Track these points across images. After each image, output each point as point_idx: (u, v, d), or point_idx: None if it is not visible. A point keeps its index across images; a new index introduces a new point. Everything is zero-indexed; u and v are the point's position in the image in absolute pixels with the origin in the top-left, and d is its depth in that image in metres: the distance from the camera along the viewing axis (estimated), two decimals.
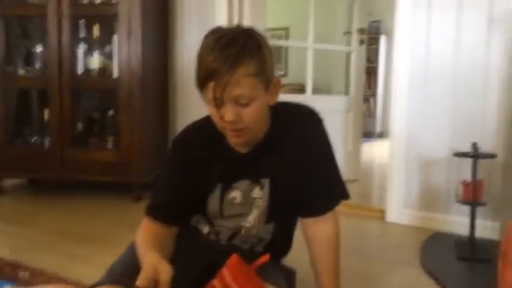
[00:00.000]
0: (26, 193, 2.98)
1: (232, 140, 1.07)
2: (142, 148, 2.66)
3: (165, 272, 0.89)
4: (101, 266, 1.13)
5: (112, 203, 2.63)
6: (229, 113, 0.98)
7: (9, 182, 2.96)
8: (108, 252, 1.17)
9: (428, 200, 2.30)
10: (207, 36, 1.02)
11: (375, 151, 5.32)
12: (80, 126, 2.84)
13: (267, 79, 1.02)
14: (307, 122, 1.19)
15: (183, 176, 1.17)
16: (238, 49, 0.96)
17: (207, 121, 1.19)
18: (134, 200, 2.64)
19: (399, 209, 2.37)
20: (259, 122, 1.07)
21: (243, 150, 1.14)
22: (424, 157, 2.30)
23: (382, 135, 7.00)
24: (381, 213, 2.46)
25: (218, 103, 0.98)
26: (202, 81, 0.98)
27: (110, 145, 2.76)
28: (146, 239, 1.09)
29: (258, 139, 1.13)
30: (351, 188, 1.24)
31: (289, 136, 1.16)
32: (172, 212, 1.17)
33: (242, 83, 0.96)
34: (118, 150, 2.69)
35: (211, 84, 0.96)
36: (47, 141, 2.76)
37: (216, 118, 1.03)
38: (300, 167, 1.17)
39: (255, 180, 1.16)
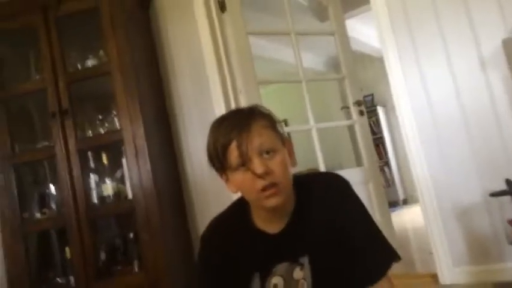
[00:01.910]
0: None
1: (270, 203, 1.01)
2: (170, 265, 2.56)
3: None
4: None
5: None
6: (258, 164, 0.97)
7: None
8: None
9: (478, 251, 2.14)
10: (212, 125, 1.06)
11: (405, 218, 5.13)
12: (103, 255, 2.76)
13: (280, 135, 1.04)
14: (333, 187, 1.14)
15: (217, 273, 1.11)
16: (247, 111, 1.04)
17: (231, 209, 1.17)
18: None
19: (450, 269, 2.20)
20: (289, 178, 1.04)
21: (275, 229, 1.08)
22: (459, 207, 2.19)
23: (406, 202, 6.83)
24: (433, 278, 2.27)
25: (245, 160, 0.98)
26: (223, 149, 0.99)
27: (136, 269, 2.66)
28: None
29: (288, 213, 1.08)
30: None
31: (318, 206, 1.11)
32: None
33: (261, 133, 0.99)
34: (145, 273, 2.58)
35: (233, 145, 0.98)
36: (72, 280, 2.67)
37: (246, 183, 1.00)
38: (339, 235, 1.09)
39: (293, 260, 1.09)
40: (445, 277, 2.21)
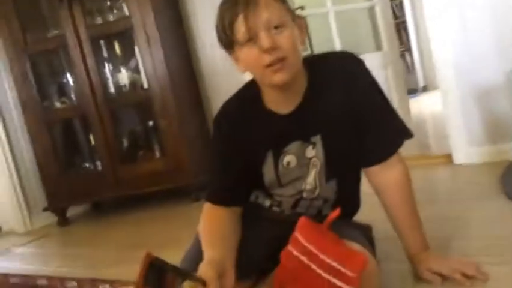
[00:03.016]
0: (91, 218, 3.06)
1: (276, 78, 0.98)
2: (188, 150, 2.65)
3: (229, 277, 0.93)
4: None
5: (173, 209, 2.64)
6: (265, 39, 0.94)
7: (73, 211, 3.05)
8: (180, 251, 1.15)
9: (494, 131, 2.12)
10: (221, 0, 1.01)
11: (424, 105, 5.09)
12: (125, 142, 2.88)
13: (291, 10, 0.99)
14: (347, 66, 1.10)
15: (231, 153, 1.14)
16: None
17: (243, 92, 1.16)
18: (193, 201, 2.64)
19: (465, 149, 2.21)
20: (297, 55, 1.00)
21: (287, 110, 1.08)
22: (478, 88, 2.13)
23: (426, 88, 6.71)
24: (447, 158, 2.30)
25: (252, 35, 0.95)
26: (230, 22, 0.96)
27: (158, 154, 2.78)
28: (208, 231, 1.07)
29: (300, 93, 1.07)
30: (407, 142, 1.14)
31: (332, 85, 1.08)
32: (230, 192, 1.14)
33: (269, 5, 0.95)
34: (165, 157, 2.70)
35: (240, 19, 0.94)
36: (99, 164, 2.81)
37: (253, 58, 0.97)
38: (351, 115, 1.09)
39: (305, 139, 1.10)
40: (459, 157, 2.23)
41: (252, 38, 0.95)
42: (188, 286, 0.85)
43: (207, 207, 1.13)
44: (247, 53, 0.97)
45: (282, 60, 0.96)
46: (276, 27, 0.95)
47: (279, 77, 0.97)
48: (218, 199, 1.13)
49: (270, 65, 0.96)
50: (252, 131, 1.11)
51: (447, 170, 2.24)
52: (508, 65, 1.98)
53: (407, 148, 1.17)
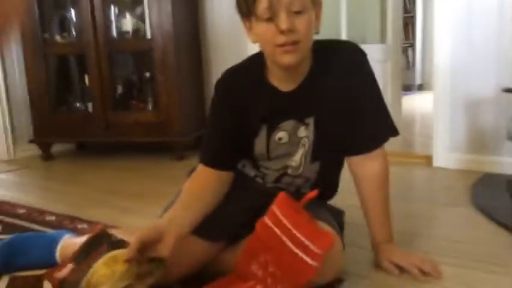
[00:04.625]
0: (75, 157, 3.09)
1: (285, 59, 1.02)
2: (181, 108, 2.68)
3: (167, 243, 0.94)
4: (150, 216, 1.15)
5: (156, 163, 2.69)
6: (284, 20, 0.97)
7: (58, 148, 3.08)
8: (155, 204, 1.20)
9: (476, 142, 2.21)
10: None
11: (416, 103, 5.16)
12: (119, 89, 2.88)
13: None
14: (351, 57, 1.15)
15: (227, 118, 1.17)
16: None
17: (248, 62, 1.19)
18: (176, 159, 2.68)
19: (446, 154, 2.29)
20: (309, 41, 1.04)
21: (288, 88, 1.12)
22: (470, 98, 2.20)
23: (422, 87, 6.78)
24: (427, 159, 2.39)
25: (272, 13, 0.97)
26: None
27: (150, 106, 2.80)
28: (186, 190, 1.12)
29: (302, 75, 1.11)
30: (394, 138, 1.21)
31: (333, 72, 1.13)
32: (220, 155, 1.19)
33: None
34: (157, 111, 2.72)
35: None
36: (90, 106, 2.82)
37: (268, 35, 1.00)
38: (346, 104, 1.14)
39: (300, 120, 1.15)
40: (439, 160, 2.32)
41: (271, 16, 0.97)
42: (108, 257, 0.89)
43: (199, 167, 1.18)
44: (263, 29, 1.00)
45: (295, 43, 0.99)
46: (296, 10, 0.98)
47: (288, 59, 1.01)
48: (207, 160, 1.17)
49: (282, 45, 0.99)
50: (251, 102, 1.14)
51: (425, 170, 2.32)
52: (503, 81, 2.04)
53: (392, 143, 1.23)
